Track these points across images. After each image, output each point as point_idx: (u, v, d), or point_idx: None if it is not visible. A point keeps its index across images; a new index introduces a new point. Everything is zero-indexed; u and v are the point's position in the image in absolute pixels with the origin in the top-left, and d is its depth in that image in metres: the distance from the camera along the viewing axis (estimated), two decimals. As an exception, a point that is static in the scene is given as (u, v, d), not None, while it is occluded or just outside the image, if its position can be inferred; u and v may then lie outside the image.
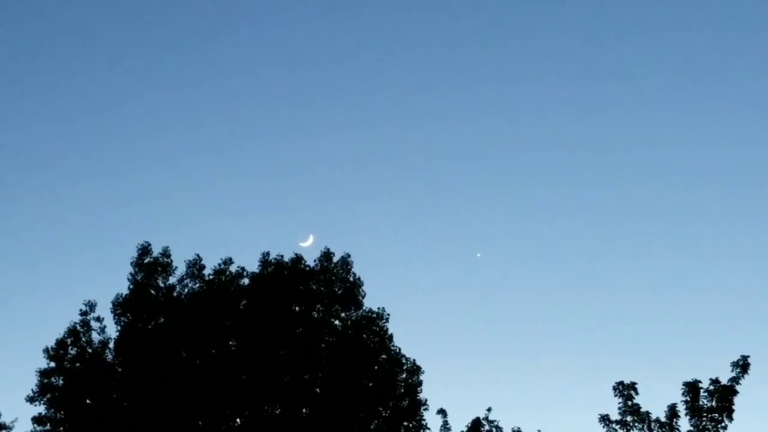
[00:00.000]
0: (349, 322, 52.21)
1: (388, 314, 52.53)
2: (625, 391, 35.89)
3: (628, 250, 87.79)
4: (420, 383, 51.12)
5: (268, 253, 52.56)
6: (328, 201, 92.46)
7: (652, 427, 35.56)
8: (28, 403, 50.66)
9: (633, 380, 35.72)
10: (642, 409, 35.76)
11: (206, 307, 50.94)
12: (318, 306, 52.28)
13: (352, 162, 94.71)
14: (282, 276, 52.21)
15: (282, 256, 52.76)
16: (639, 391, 35.78)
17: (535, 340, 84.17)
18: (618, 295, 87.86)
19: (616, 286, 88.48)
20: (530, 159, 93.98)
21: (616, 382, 35.97)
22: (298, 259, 52.89)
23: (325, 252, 53.19)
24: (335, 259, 53.20)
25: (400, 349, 51.85)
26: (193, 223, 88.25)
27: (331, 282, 52.74)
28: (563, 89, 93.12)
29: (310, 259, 53.38)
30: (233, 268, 52.78)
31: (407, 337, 72.35)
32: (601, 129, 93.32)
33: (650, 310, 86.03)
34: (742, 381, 35.10)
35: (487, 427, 38.82)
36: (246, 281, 52.55)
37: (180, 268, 52.79)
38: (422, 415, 50.42)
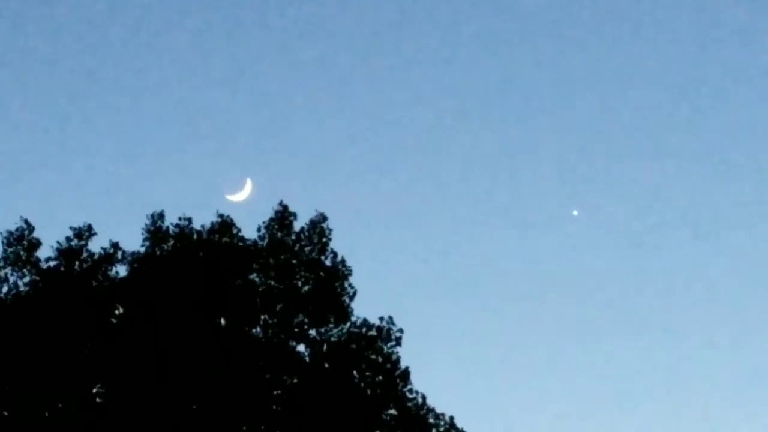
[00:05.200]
0: (325, 346, 39.91)
1: (400, 331, 39.58)
2: None
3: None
4: (467, 466, 39.99)
5: (161, 216, 40.61)
6: (280, 124, 65.97)
7: None
8: None
9: None
10: None
11: (43, 323, 38.58)
12: (265, 317, 39.91)
13: (331, 58, 66.72)
14: (192, 259, 39.92)
15: (189, 221, 40.42)
16: None
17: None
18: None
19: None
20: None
21: None
22: (223, 226, 40.45)
23: (279, 212, 40.70)
24: (298, 226, 40.60)
25: (425, 398, 39.29)
26: (18, 168, 63.17)
27: (291, 269, 40.42)
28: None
29: (249, 227, 41.28)
30: (96, 246, 40.27)
31: (435, 372, 55.18)
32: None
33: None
34: None
35: None
36: (122, 270, 40.52)
37: (-8, 245, 42.51)
38: None
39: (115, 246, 39.56)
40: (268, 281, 39.84)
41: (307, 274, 39.92)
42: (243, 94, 65.61)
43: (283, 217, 40.00)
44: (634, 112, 70.71)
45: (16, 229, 39.09)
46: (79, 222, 39.94)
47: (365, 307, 40.99)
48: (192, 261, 39.57)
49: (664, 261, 67.35)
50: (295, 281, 39.89)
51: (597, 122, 70.19)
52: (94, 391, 38.50)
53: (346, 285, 39.66)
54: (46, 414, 38.28)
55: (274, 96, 64.91)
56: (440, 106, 68.58)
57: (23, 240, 38.83)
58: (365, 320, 39.54)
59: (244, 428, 38.30)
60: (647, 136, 70.35)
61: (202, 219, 40.55)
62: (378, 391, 38.90)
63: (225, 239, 39.99)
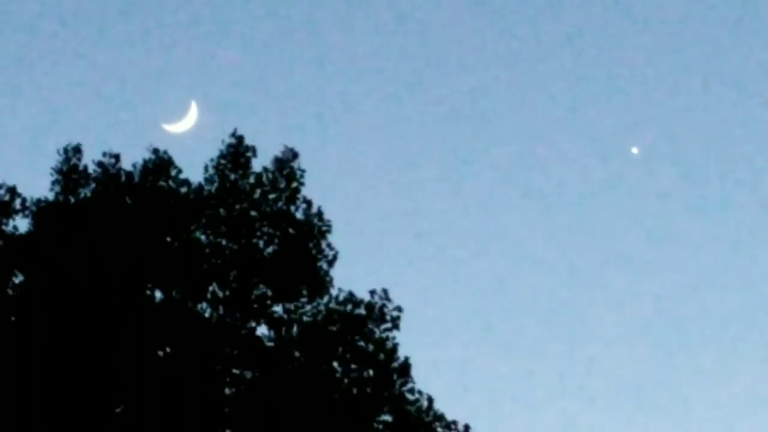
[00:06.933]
0: (295, 328, 33.50)
1: (398, 309, 33.36)
2: None
3: None
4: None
5: (77, 151, 34.54)
6: (235, 27, 54.87)
7: None
8: None
9: None
10: None
11: None
12: (213, 288, 33.68)
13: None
14: (117, 209, 33.74)
15: (116, 159, 34.50)
16: None
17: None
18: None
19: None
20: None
21: None
22: (159, 165, 34.37)
23: (232, 146, 34.44)
24: (259, 165, 34.52)
25: (431, 401, 33.50)
26: None
27: (250, 223, 34.48)
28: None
29: (194, 166, 34.88)
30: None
31: (444, 365, 46.50)
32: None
33: None
34: None
35: None
36: (22, 224, 34.20)
37: None
38: None
39: (13, 191, 33.66)
40: (219, 240, 33.69)
41: (270, 231, 33.72)
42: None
43: (237, 152, 33.71)
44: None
45: None
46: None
47: (350, 277, 35.15)
48: (117, 212, 33.31)
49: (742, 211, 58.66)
50: (254, 240, 33.78)
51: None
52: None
53: (323, 246, 33.26)
54: None
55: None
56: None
57: None
58: (350, 294, 33.31)
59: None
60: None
61: (132, 156, 34.61)
62: (367, 390, 33.05)
63: (161, 183, 33.75)
